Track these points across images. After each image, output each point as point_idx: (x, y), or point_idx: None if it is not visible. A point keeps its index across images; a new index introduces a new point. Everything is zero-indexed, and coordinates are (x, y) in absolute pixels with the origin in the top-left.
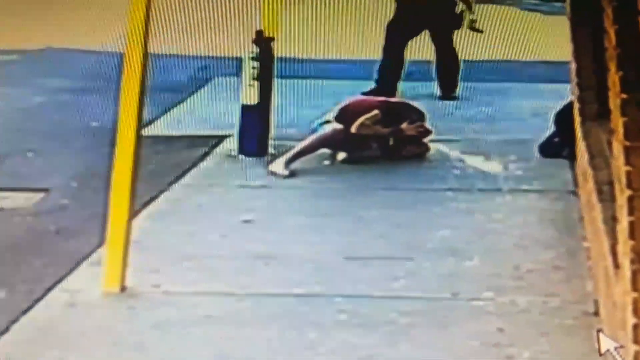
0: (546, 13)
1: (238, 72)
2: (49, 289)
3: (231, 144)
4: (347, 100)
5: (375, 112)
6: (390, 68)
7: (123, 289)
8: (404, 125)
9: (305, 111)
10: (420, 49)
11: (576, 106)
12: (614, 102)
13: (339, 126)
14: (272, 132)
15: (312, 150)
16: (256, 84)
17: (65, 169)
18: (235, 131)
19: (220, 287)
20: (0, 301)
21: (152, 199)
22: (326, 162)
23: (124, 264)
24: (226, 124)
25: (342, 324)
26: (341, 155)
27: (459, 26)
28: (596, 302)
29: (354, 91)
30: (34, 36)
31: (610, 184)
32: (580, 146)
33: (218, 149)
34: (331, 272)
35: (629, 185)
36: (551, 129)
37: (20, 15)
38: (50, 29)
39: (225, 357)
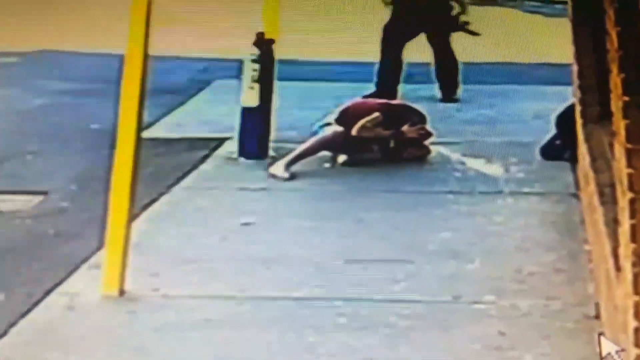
0: (548, 15)
1: (238, 75)
2: (48, 292)
3: (231, 147)
4: (347, 103)
5: (376, 114)
6: (389, 70)
7: (122, 292)
8: (404, 128)
9: (305, 113)
10: (420, 51)
11: (578, 108)
12: (616, 104)
13: (339, 129)
14: (273, 134)
15: (313, 152)
16: (257, 86)
17: (65, 172)
18: (235, 133)
19: (220, 290)
20: None
21: (152, 201)
22: (327, 165)
23: (123, 267)
24: (226, 127)
25: (342, 327)
26: (342, 158)
27: (455, 28)
28: (597, 305)
29: (354, 93)
30: (34, 38)
31: (612, 186)
32: (582, 149)
33: (218, 152)
34: (331, 274)
35: (631, 187)
36: (552, 131)
37: (20, 17)
38: (51, 31)
39: None
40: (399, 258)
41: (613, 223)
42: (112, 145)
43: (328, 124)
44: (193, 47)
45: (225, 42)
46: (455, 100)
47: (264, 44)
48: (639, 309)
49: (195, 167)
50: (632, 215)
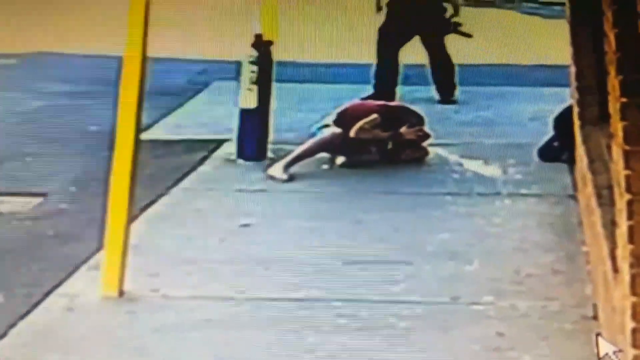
0: (545, 17)
1: (237, 76)
2: (48, 294)
3: (230, 148)
4: (346, 105)
5: (374, 116)
6: (386, 72)
7: (122, 293)
8: (403, 129)
9: (304, 115)
10: (417, 52)
11: (575, 110)
12: (614, 106)
13: (337, 130)
14: (271, 136)
15: (311, 154)
16: (255, 88)
17: (64, 173)
18: (234, 135)
19: (219, 291)
20: None
21: (151, 203)
22: (325, 166)
23: (123, 268)
24: (225, 128)
25: (341, 328)
26: (340, 159)
27: (448, 30)
28: (595, 306)
29: (352, 95)
30: (33, 40)
31: (610, 188)
32: (580, 150)
33: (217, 153)
34: (330, 276)
35: (628, 189)
36: (550, 133)
37: (18, 18)
38: (49, 33)
39: None
40: (398, 259)
41: (611, 225)
42: (111, 147)
43: (326, 126)
44: (191, 49)
45: (223, 44)
46: (454, 102)
47: (262, 45)
48: (636, 310)
49: (194, 168)
50: (630, 217)
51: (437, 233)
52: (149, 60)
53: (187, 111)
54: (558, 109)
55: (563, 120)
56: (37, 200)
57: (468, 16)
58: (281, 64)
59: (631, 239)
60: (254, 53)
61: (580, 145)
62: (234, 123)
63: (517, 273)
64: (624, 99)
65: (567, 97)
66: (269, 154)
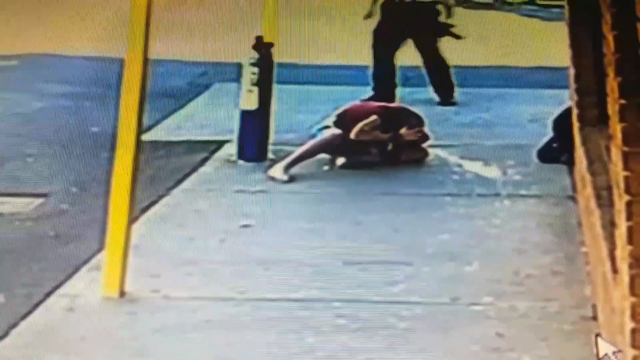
0: (544, 19)
1: (238, 78)
2: (48, 294)
3: (231, 149)
4: (346, 106)
5: (374, 117)
6: (383, 74)
7: (122, 293)
8: (403, 131)
9: (304, 116)
10: (417, 54)
11: (575, 112)
12: (613, 107)
13: (338, 131)
14: (272, 137)
15: (311, 155)
16: (256, 89)
17: (65, 174)
18: (234, 136)
19: (219, 291)
20: (0, 306)
21: (152, 204)
22: (325, 167)
23: (124, 269)
24: (226, 129)
25: (341, 329)
26: (340, 161)
27: (441, 33)
28: (594, 307)
29: (353, 97)
30: (34, 42)
31: (609, 189)
32: (579, 151)
33: (217, 154)
34: (330, 276)
35: (628, 190)
36: (549, 134)
37: (20, 20)
38: (51, 35)
39: None
40: (398, 260)
41: (610, 226)
42: (112, 148)
43: (326, 127)
44: (192, 50)
45: (224, 46)
46: (453, 103)
47: (262, 47)
48: (635, 311)
49: (194, 169)
50: (629, 218)
51: (436, 234)
52: (150, 62)
53: (188, 113)
54: (557, 110)
55: (562, 122)
56: (38, 200)
57: (467, 19)
58: (282, 65)
59: (630, 239)
60: (255, 55)
61: (580, 147)
62: (235, 124)
63: (516, 274)
64: (622, 101)
65: (566, 98)
66: (270, 155)
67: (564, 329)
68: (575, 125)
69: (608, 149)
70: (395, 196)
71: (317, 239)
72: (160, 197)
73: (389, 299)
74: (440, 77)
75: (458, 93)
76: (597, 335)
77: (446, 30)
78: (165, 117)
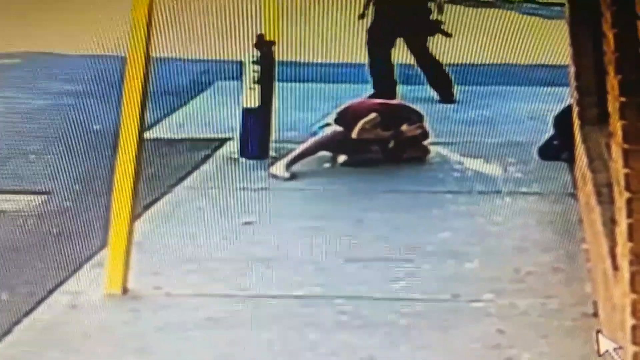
0: (545, 17)
1: (239, 76)
2: (51, 291)
3: (232, 147)
4: (346, 103)
5: (374, 115)
6: (379, 71)
7: (125, 291)
8: (404, 127)
9: (305, 114)
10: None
11: (575, 109)
12: (613, 105)
13: (339, 128)
14: (273, 135)
15: (313, 152)
16: (257, 87)
17: (68, 172)
18: (236, 134)
19: (221, 289)
20: (3, 303)
21: (154, 201)
22: (327, 165)
23: (126, 267)
24: (228, 127)
25: (342, 326)
26: (342, 158)
27: (431, 31)
28: (595, 304)
29: (354, 95)
30: (37, 40)
31: (609, 186)
32: (579, 149)
33: (219, 152)
34: (332, 273)
35: (628, 187)
36: (550, 131)
37: (22, 18)
38: (53, 33)
39: (227, 359)
40: (399, 257)
41: (610, 223)
42: (115, 146)
43: (328, 125)
44: (194, 48)
45: (226, 44)
46: (453, 100)
47: (264, 45)
48: (636, 308)
49: (196, 167)
50: (629, 215)
51: (437, 231)
52: (152, 60)
53: (190, 110)
54: (557, 108)
55: (563, 119)
56: (41, 198)
57: (468, 16)
58: (283, 63)
59: (631, 236)
60: (256, 53)
61: (580, 144)
62: (237, 122)
63: (517, 271)
64: (623, 99)
65: (566, 96)
66: (271, 153)
67: (564, 326)
68: (576, 123)
69: (608, 147)
70: (396, 194)
71: (319, 237)
72: (163, 194)
73: (390, 296)
74: (436, 75)
75: (459, 91)
76: (598, 332)
77: (437, 27)
78: (167, 115)
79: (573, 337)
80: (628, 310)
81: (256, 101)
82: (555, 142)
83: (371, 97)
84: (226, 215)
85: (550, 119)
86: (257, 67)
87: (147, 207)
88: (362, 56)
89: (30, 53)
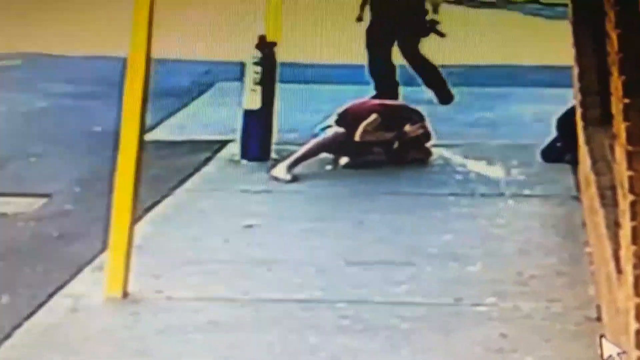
0: (548, 18)
1: (241, 77)
2: (52, 294)
3: (234, 149)
4: (347, 104)
5: (374, 116)
6: (378, 72)
7: (126, 294)
8: (407, 128)
9: (307, 116)
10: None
11: (578, 111)
12: (617, 106)
13: (340, 130)
14: (275, 136)
15: (314, 154)
16: (259, 88)
17: (68, 174)
18: (237, 136)
19: (222, 292)
20: (3, 306)
21: (155, 203)
22: (328, 167)
23: (127, 269)
24: (229, 129)
25: (343, 329)
26: (343, 160)
27: (426, 32)
28: (599, 308)
29: (356, 96)
30: (37, 41)
31: (613, 188)
32: (583, 151)
33: (221, 154)
34: (333, 276)
35: (632, 190)
36: (553, 133)
37: (23, 19)
38: (53, 34)
39: None
40: (401, 260)
41: (614, 225)
42: (115, 148)
43: (329, 127)
44: (195, 50)
45: (227, 45)
46: (451, 100)
47: (265, 46)
48: None
49: (197, 169)
50: (633, 218)
51: (440, 234)
52: (152, 61)
53: (191, 112)
54: (561, 109)
55: (566, 121)
56: (42, 200)
57: (471, 17)
58: (285, 65)
59: (634, 239)
60: (258, 54)
61: (583, 146)
62: (238, 124)
63: (520, 274)
64: (626, 100)
65: (568, 98)
66: (273, 155)
67: (567, 329)
68: (579, 124)
69: (612, 148)
70: (398, 196)
71: (320, 239)
72: (164, 197)
73: (391, 300)
74: (431, 77)
75: (462, 92)
76: (602, 336)
77: (431, 27)
78: (168, 117)
79: (576, 340)
80: (632, 313)
81: (257, 103)
82: (558, 144)
83: (373, 98)
84: (227, 217)
85: (554, 121)
86: (259, 69)
87: (148, 209)
88: (363, 57)
89: (30, 54)
